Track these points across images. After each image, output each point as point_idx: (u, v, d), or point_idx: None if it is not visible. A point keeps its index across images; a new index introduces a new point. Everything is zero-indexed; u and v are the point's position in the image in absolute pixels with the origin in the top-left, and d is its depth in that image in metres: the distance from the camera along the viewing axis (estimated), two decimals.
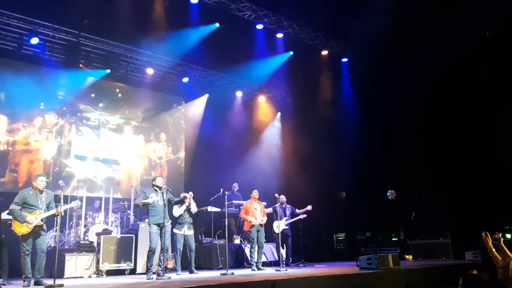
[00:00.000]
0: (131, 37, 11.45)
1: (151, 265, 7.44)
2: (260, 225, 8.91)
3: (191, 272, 8.31)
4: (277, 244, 9.88)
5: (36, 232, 6.49)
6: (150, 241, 7.50)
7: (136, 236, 8.98)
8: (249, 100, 15.32)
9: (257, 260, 8.73)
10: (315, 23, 12.62)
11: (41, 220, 6.54)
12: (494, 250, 4.52)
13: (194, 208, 8.62)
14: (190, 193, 8.55)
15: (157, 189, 7.75)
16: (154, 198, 7.58)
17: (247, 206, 9.02)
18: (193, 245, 8.53)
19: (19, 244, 6.51)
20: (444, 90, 11.42)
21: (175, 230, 8.41)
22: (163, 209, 7.55)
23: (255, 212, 8.90)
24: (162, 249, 7.51)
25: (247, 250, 10.50)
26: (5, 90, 10.96)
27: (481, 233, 4.76)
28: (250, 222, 8.80)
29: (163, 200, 7.63)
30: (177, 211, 8.47)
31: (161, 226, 7.53)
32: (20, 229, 6.38)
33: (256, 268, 8.61)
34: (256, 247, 8.77)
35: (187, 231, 8.50)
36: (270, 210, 9.87)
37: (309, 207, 10.32)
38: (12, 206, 6.47)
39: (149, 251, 7.50)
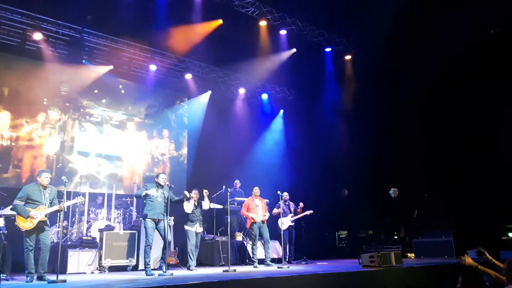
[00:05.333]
0: (134, 33, 11.44)
1: (149, 260, 7.46)
2: (262, 221, 8.91)
3: (189, 268, 8.37)
4: (282, 241, 9.80)
5: (40, 227, 6.51)
6: (146, 236, 7.54)
7: (139, 233, 8.98)
8: (252, 97, 15.29)
9: (265, 256, 8.77)
10: (318, 20, 12.59)
11: (45, 215, 6.56)
12: (479, 266, 4.54)
13: (206, 206, 8.71)
14: (205, 191, 8.62)
15: (159, 185, 7.78)
16: (154, 193, 7.62)
17: (248, 203, 9.04)
18: (199, 242, 8.65)
19: (22, 240, 6.53)
20: (447, 87, 11.39)
21: (187, 227, 8.51)
22: (161, 205, 7.59)
23: (256, 209, 8.93)
24: (165, 243, 7.51)
25: (249, 247, 10.50)
26: (8, 86, 10.97)
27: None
28: (252, 219, 8.82)
29: (164, 197, 7.66)
30: (188, 207, 8.49)
31: (156, 221, 7.56)
32: (24, 224, 6.40)
33: (257, 265, 8.61)
34: (258, 244, 8.77)
35: (199, 228, 8.60)
36: (279, 210, 9.84)
37: (308, 212, 10.31)
38: (16, 201, 6.49)
39: (146, 246, 7.53)
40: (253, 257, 8.83)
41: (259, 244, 9.86)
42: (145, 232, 7.58)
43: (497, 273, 4.34)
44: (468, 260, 4.57)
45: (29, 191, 6.57)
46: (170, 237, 7.90)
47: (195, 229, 8.49)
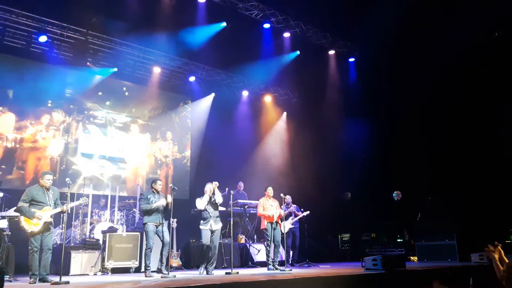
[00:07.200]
0: (138, 35, 11.48)
1: (150, 263, 7.52)
2: (277, 222, 8.62)
3: (208, 272, 7.75)
4: (285, 244, 9.75)
5: (45, 228, 6.55)
6: (147, 239, 7.59)
7: (142, 234, 8.98)
8: (255, 100, 15.31)
9: (273, 259, 8.50)
10: (322, 22, 12.60)
11: (50, 216, 6.61)
12: (498, 262, 4.52)
13: (219, 199, 8.07)
14: (215, 182, 8.04)
15: (155, 191, 7.81)
16: (153, 199, 7.67)
17: (263, 203, 8.74)
18: (216, 241, 7.98)
19: (25, 242, 6.56)
20: (449, 89, 11.37)
21: (201, 226, 7.91)
22: (160, 210, 7.66)
23: (271, 210, 8.63)
24: (163, 246, 7.56)
25: (252, 250, 10.52)
26: (13, 88, 11.03)
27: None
28: (272, 216, 8.48)
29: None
30: (200, 203, 7.92)
31: (157, 225, 7.61)
32: (30, 225, 6.44)
33: (273, 267, 8.36)
34: (273, 246, 8.59)
35: (214, 225, 7.91)
36: (286, 212, 9.68)
37: (305, 213, 10.27)
38: (20, 203, 6.52)
39: (146, 249, 7.57)
40: (267, 260, 8.54)
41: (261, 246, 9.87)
42: (146, 236, 7.61)
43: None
44: (497, 255, 4.51)
45: (33, 192, 6.61)
46: (168, 238, 7.82)
47: (208, 227, 7.84)
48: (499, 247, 4.62)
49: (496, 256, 4.54)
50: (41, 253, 6.54)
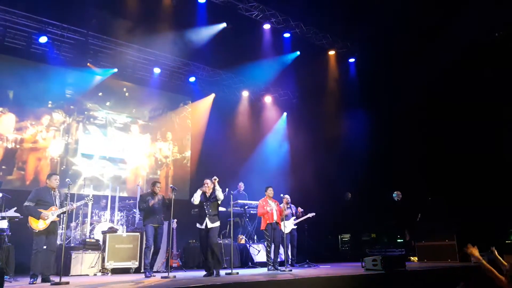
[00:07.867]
0: (138, 36, 11.49)
1: (149, 262, 7.60)
2: (277, 223, 8.63)
3: (211, 273, 7.29)
4: (285, 244, 9.73)
5: (51, 228, 6.65)
6: (146, 238, 7.72)
7: (142, 235, 9.00)
8: (256, 100, 15.32)
9: (273, 259, 8.50)
10: (322, 23, 12.59)
11: (57, 216, 6.72)
12: (484, 261, 4.51)
13: (220, 195, 7.57)
14: (215, 177, 7.57)
15: (154, 193, 7.93)
16: (151, 201, 7.84)
17: (263, 204, 8.73)
18: (214, 240, 7.39)
19: (26, 242, 6.58)
20: (449, 90, 11.37)
21: (197, 225, 7.57)
22: (159, 211, 7.87)
23: (270, 210, 8.64)
24: (156, 249, 7.77)
25: (252, 250, 10.52)
26: (13, 89, 11.05)
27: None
28: (271, 212, 8.51)
29: (160, 204, 7.92)
30: (194, 196, 7.55)
31: (155, 227, 7.78)
32: (37, 225, 6.52)
33: (273, 268, 8.36)
34: (273, 246, 8.59)
35: (210, 223, 7.39)
36: (286, 212, 9.60)
37: (310, 214, 10.30)
38: (27, 203, 6.62)
39: (145, 248, 7.70)
40: (267, 260, 8.56)
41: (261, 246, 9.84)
42: (146, 235, 7.75)
43: (498, 273, 4.35)
44: (476, 252, 4.49)
45: (40, 192, 6.75)
46: (159, 246, 7.98)
47: (203, 225, 7.39)
48: (473, 249, 4.58)
49: (476, 253, 4.51)
50: (44, 254, 6.57)
